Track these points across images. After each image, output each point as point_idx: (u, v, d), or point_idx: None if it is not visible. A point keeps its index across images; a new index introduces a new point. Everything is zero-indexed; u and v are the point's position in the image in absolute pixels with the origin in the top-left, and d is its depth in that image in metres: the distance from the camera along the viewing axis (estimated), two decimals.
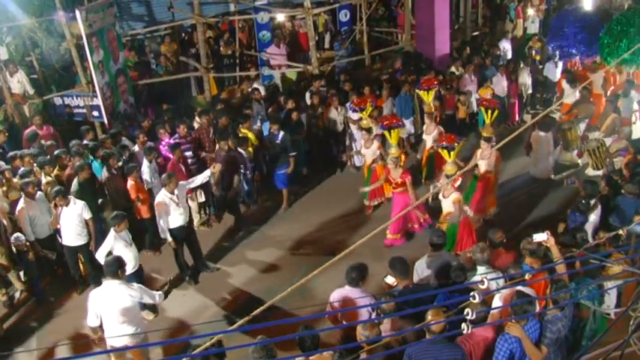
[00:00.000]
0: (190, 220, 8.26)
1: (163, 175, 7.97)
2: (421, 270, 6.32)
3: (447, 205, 7.96)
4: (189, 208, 8.38)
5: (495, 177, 9.08)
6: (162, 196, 7.79)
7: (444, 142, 8.31)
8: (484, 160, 8.72)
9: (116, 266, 5.99)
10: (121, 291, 5.97)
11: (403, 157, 9.08)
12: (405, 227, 8.94)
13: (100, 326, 6.12)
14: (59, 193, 7.67)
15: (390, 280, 5.92)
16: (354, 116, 10.97)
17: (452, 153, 8.18)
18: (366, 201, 9.76)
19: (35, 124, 10.39)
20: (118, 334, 5.95)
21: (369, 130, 9.64)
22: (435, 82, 10.60)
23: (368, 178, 9.60)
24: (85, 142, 9.62)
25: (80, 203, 7.84)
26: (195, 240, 8.49)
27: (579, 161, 10.58)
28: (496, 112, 9.30)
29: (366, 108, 9.78)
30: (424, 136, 10.15)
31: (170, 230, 7.92)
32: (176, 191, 7.81)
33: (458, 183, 8.06)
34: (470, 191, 9.03)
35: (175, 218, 7.90)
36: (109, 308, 5.98)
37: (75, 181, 8.33)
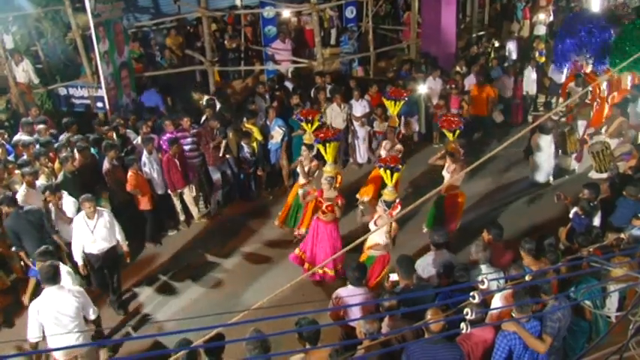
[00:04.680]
0: (111, 250, 7.45)
1: (82, 198, 7.23)
2: (422, 269, 6.32)
3: (378, 234, 6.98)
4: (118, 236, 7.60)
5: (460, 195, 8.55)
6: (79, 218, 7.27)
7: (387, 162, 7.29)
8: (449, 174, 8.27)
9: (51, 273, 5.75)
10: (62, 295, 5.73)
11: (339, 177, 8.17)
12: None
13: (43, 339, 5.81)
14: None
15: (395, 277, 5.94)
16: (358, 112, 11.00)
17: (395, 175, 7.24)
18: (295, 230, 8.83)
19: (32, 115, 10.40)
20: (65, 343, 5.69)
21: (310, 147, 8.73)
22: (404, 94, 9.74)
23: (298, 203, 8.75)
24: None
25: (70, 200, 7.65)
26: (114, 271, 7.69)
27: (577, 167, 10.58)
28: (457, 132, 8.43)
29: (313, 121, 8.82)
30: (382, 152, 9.28)
31: (84, 254, 7.31)
32: (96, 216, 7.20)
33: (397, 211, 7.14)
34: (432, 214, 8.52)
35: (88, 245, 7.26)
36: (53, 317, 5.68)
37: (61, 173, 8.26)
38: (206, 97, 11.24)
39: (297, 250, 8.03)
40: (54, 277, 5.73)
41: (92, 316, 6.01)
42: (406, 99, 9.79)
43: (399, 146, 9.29)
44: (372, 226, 7.20)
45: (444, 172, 8.46)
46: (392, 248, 7.27)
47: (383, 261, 7.16)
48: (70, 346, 5.70)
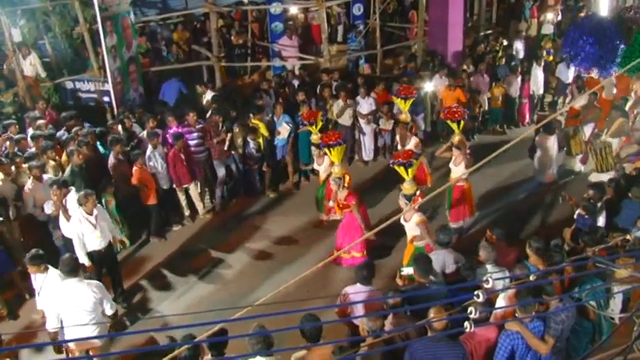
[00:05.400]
0: (110, 245, 7.53)
1: (80, 194, 7.21)
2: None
3: (411, 228, 7.18)
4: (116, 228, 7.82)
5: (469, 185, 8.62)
6: (78, 215, 7.15)
7: (400, 159, 7.41)
8: (456, 167, 8.38)
9: (72, 265, 5.86)
10: (82, 288, 5.82)
11: (347, 177, 8.32)
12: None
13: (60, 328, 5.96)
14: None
15: (408, 271, 5.95)
16: (364, 110, 10.98)
17: (410, 170, 7.35)
18: (323, 215, 9.21)
19: (39, 108, 10.43)
20: (81, 334, 5.79)
21: (318, 146, 8.89)
22: (414, 92, 9.78)
23: (322, 193, 9.02)
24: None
25: (75, 197, 7.51)
26: (114, 266, 7.77)
27: (582, 168, 10.53)
28: (462, 123, 8.50)
29: (317, 122, 9.10)
30: (399, 147, 9.48)
31: (87, 253, 7.21)
32: (95, 211, 7.17)
33: (418, 203, 7.26)
34: (448, 199, 8.64)
35: (92, 241, 7.21)
36: (71, 308, 5.80)
37: (68, 167, 8.26)
38: (209, 93, 11.23)
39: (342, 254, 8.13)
40: (74, 270, 5.85)
41: (110, 311, 6.08)
42: (416, 96, 9.83)
43: (415, 139, 9.38)
44: (402, 221, 7.23)
45: (451, 165, 8.53)
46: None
47: (429, 250, 7.13)
48: (81, 338, 5.80)
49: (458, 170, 8.35)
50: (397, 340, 5.08)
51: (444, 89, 11.57)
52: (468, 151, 8.55)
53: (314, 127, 9.12)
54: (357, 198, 8.10)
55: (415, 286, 5.82)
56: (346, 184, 8.12)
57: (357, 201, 8.05)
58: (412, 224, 7.07)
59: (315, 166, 9.29)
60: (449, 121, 8.63)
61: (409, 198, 7.25)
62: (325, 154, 8.76)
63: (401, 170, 7.38)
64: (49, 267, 6.23)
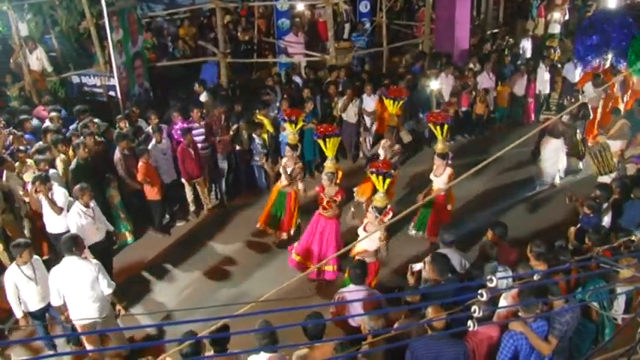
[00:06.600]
0: (108, 237, 7.62)
1: (75, 188, 7.13)
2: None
3: (367, 240, 6.63)
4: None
5: (450, 195, 8.24)
6: (76, 210, 7.07)
7: (379, 168, 6.89)
8: (437, 177, 8.03)
9: (70, 243, 5.96)
10: (81, 265, 5.96)
11: (340, 172, 7.90)
12: (319, 259, 7.56)
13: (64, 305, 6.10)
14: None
15: (418, 266, 5.93)
16: (369, 107, 10.96)
17: (387, 181, 6.85)
18: (281, 233, 8.72)
19: (44, 102, 10.46)
20: (83, 311, 5.97)
21: (294, 148, 8.45)
22: (404, 94, 9.39)
23: (282, 207, 8.57)
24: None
25: (60, 190, 7.49)
26: (109, 260, 7.67)
27: (581, 166, 10.49)
28: (446, 127, 8.00)
29: (297, 121, 8.41)
30: (380, 151, 9.04)
31: (89, 247, 7.04)
32: (92, 204, 7.15)
33: (388, 217, 6.81)
34: (423, 217, 8.32)
35: (92, 233, 7.17)
36: (71, 285, 5.95)
37: (74, 160, 8.26)
38: (205, 94, 11.17)
39: (294, 256, 7.88)
40: (70, 248, 5.96)
41: (108, 290, 6.13)
42: (405, 99, 9.47)
43: (397, 147, 9.01)
44: (360, 231, 6.93)
45: (432, 176, 8.18)
46: (386, 256, 7.09)
47: (371, 269, 6.79)
48: (91, 332, 6.07)
49: (439, 181, 7.99)
50: (413, 336, 5.07)
51: (376, 104, 10.90)
52: (449, 162, 8.15)
53: (292, 125, 8.39)
54: (343, 197, 7.71)
55: (432, 285, 5.79)
56: (338, 180, 7.74)
57: (342, 201, 7.68)
58: (371, 237, 6.63)
59: (282, 168, 8.45)
60: (431, 125, 8.19)
61: (380, 211, 6.83)
62: (298, 156, 8.55)
63: (377, 181, 6.90)
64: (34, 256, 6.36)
